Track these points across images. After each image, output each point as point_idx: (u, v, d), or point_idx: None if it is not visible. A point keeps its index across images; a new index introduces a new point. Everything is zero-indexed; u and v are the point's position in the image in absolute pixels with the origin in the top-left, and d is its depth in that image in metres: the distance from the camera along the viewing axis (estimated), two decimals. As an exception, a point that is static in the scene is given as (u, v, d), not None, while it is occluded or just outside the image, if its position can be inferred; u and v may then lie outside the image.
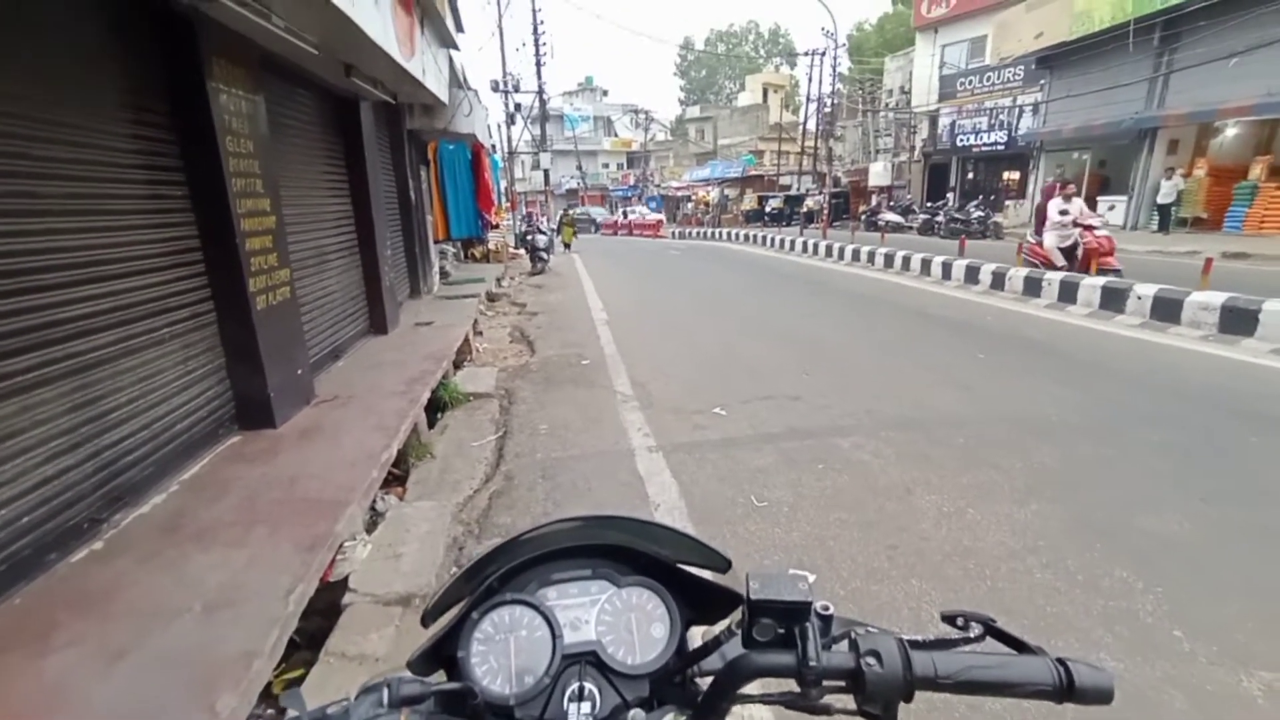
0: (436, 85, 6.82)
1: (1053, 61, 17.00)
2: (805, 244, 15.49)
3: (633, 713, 0.50)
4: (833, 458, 3.41)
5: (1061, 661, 0.48)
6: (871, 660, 0.46)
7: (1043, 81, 17.78)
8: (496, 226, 15.04)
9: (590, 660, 0.58)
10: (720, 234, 23.16)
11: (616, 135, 45.37)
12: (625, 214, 29.85)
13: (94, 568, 2.15)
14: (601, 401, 4.54)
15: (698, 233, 25.03)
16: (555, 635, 0.59)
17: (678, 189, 38.14)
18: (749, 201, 29.30)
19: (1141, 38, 13.91)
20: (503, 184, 21.88)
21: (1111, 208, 15.64)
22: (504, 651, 0.58)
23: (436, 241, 10.00)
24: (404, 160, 7.87)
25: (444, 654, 0.59)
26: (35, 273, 2.20)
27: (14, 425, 2.07)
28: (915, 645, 0.48)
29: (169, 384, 2.89)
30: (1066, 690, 0.47)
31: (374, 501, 3.00)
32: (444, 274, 10.13)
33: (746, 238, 20.45)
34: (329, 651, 2.00)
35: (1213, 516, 2.71)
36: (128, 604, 1.94)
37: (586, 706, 0.52)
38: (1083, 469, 3.20)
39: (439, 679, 0.58)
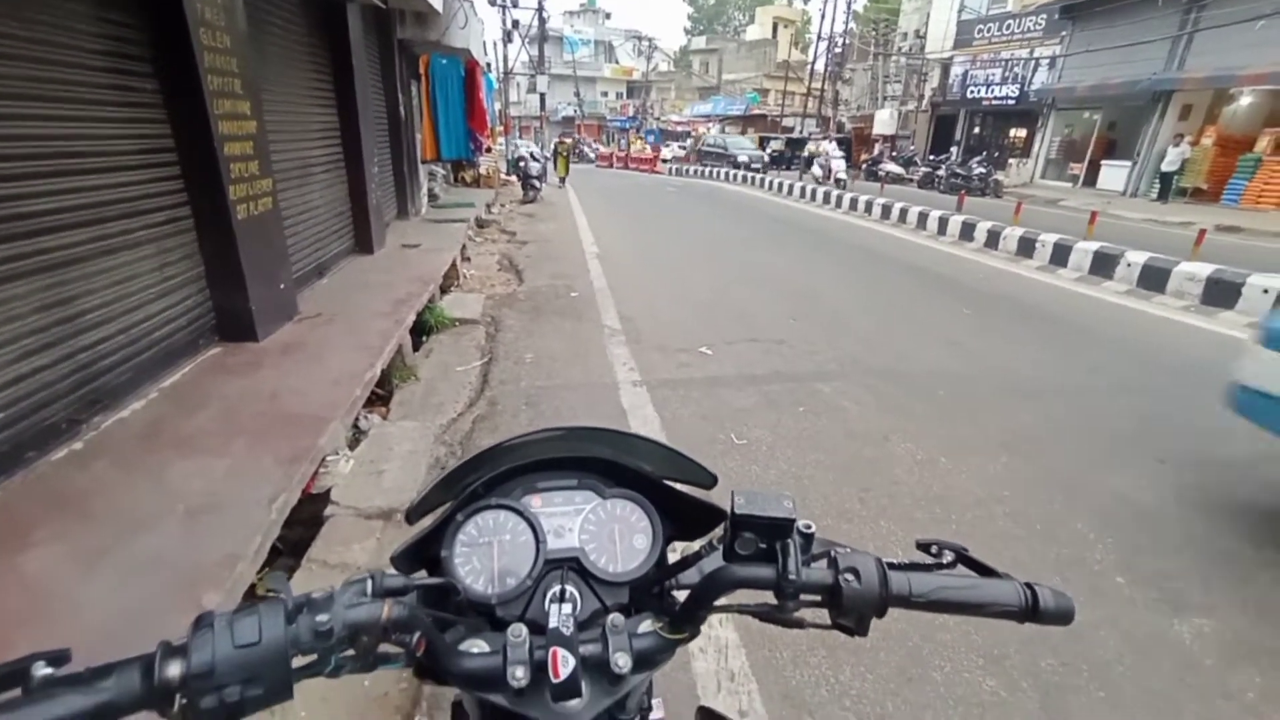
0: (429, -11, 6.37)
1: (1077, 11, 16.29)
2: (803, 190, 15.18)
3: (612, 616, 0.52)
4: (814, 402, 3.47)
5: (1029, 585, 0.50)
6: (850, 577, 0.48)
7: (1064, 33, 17.09)
8: (490, 150, 14.45)
9: (572, 566, 0.59)
10: (718, 173, 22.56)
11: (618, 62, 43.18)
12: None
13: (74, 468, 2.15)
14: (588, 334, 4.53)
15: (694, 170, 24.35)
16: (539, 540, 0.59)
17: (678, 123, 36.80)
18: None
19: (1172, -9, 13.34)
20: (496, 106, 20.90)
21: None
22: (487, 554, 0.59)
23: (425, 161, 9.61)
24: (394, 73, 7.45)
25: (427, 553, 0.60)
26: (-3, 160, 2.08)
27: (-17, 319, 2.01)
28: (892, 566, 0.50)
29: (146, 289, 2.81)
30: (1031, 611, 0.49)
31: (357, 419, 3.01)
32: (433, 196, 9.81)
33: (744, 179, 19.96)
34: (311, 559, 2.04)
35: (1168, 477, 2.82)
36: (109, 505, 1.95)
37: (567, 608, 0.53)
38: (1053, 427, 3.30)
39: (421, 576, 0.58)
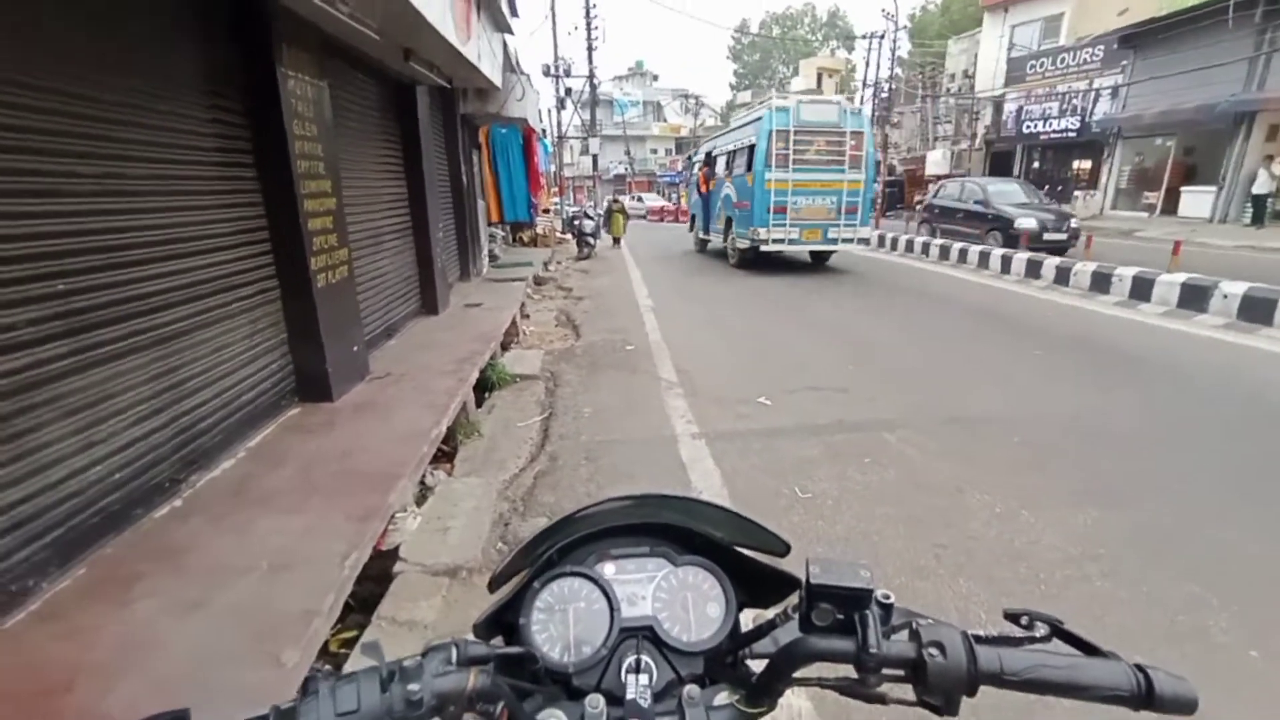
0: (491, 69, 6.89)
1: (1137, 40, 15.84)
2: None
3: (688, 688, 0.51)
4: (880, 452, 3.34)
5: (1140, 667, 0.45)
6: (934, 651, 0.45)
7: (1124, 63, 16.60)
8: (547, 211, 15.17)
9: (647, 635, 0.59)
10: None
11: (666, 120, 44.95)
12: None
13: (173, 524, 2.32)
14: (645, 387, 4.56)
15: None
16: (613, 608, 0.60)
17: (726, 175, 37.51)
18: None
19: (1242, 13, 12.80)
20: (551, 168, 22.05)
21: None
22: (563, 621, 0.59)
23: (490, 224, 10.17)
24: (457, 144, 8.02)
25: (505, 620, 0.61)
26: (123, 249, 2.36)
27: (108, 389, 2.24)
28: (979, 640, 0.47)
29: (238, 356, 3.06)
30: (1145, 698, 0.44)
31: (424, 476, 3.11)
32: (493, 257, 10.32)
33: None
34: (380, 616, 2.09)
35: (1296, 533, 2.52)
36: (202, 559, 2.09)
37: (644, 679, 0.53)
38: (1148, 476, 3.03)
39: (500, 644, 0.60)
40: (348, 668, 1.51)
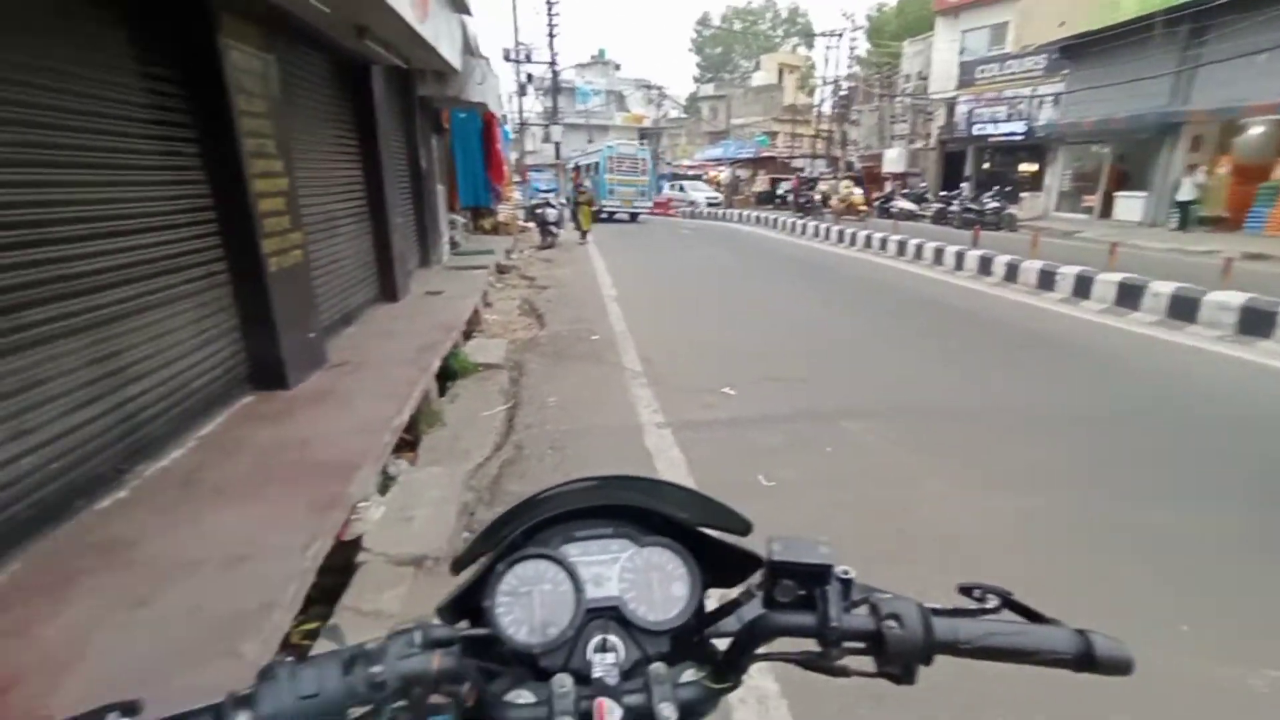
0: (449, 51, 6.71)
1: (1075, 52, 16.61)
2: (817, 228, 15.35)
3: (654, 666, 0.51)
4: (841, 441, 3.43)
5: (1081, 632, 0.48)
6: (892, 623, 0.47)
7: (1064, 72, 17.41)
8: (508, 199, 14.88)
9: (612, 615, 0.59)
10: (731, 215, 22.93)
11: (629, 110, 44.67)
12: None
13: (118, 516, 2.19)
14: (610, 377, 4.55)
15: (708, 213, 24.78)
16: (578, 589, 0.59)
17: (689, 167, 37.66)
18: (761, 183, 28.90)
19: (1168, 30, 13.59)
20: (512, 156, 21.72)
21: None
22: (528, 603, 0.59)
23: (451, 211, 9.93)
24: (414, 127, 7.79)
25: (471, 604, 0.60)
26: (52, 224, 2.20)
27: (39, 374, 2.09)
28: (935, 612, 0.49)
29: (184, 341, 2.91)
30: (1087, 660, 0.47)
31: (386, 465, 3.03)
32: (453, 244, 10.08)
33: (757, 219, 20.27)
34: (344, 606, 2.04)
35: (1218, 513, 2.72)
36: (151, 553, 1.98)
37: (610, 658, 0.53)
38: (1092, 461, 3.21)
39: (465, 627, 0.59)
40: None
